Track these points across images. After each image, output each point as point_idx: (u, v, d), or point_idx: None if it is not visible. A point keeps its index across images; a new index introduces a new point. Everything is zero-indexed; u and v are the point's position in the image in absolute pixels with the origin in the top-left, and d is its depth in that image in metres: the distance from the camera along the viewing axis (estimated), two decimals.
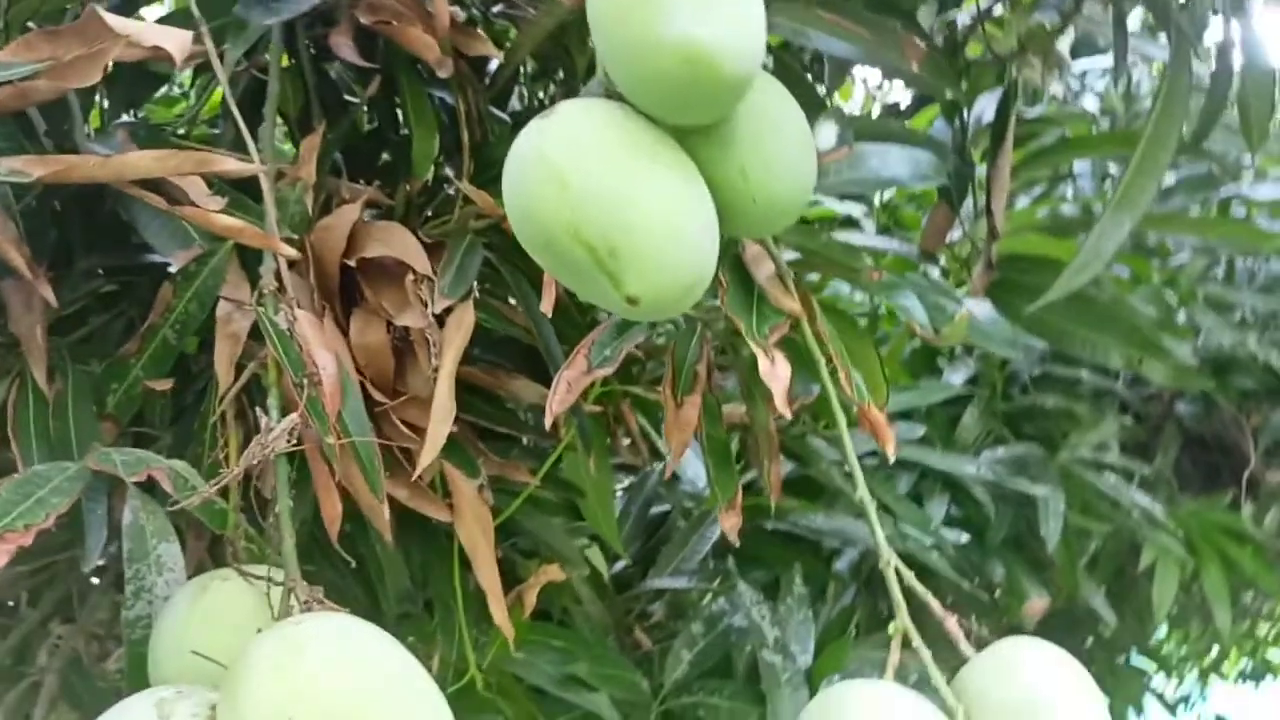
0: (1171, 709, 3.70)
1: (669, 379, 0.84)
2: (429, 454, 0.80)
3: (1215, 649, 5.25)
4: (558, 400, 0.80)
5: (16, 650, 1.09)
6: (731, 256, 0.81)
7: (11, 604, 1.21)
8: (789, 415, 0.68)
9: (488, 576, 0.86)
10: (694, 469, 1.64)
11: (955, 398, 1.92)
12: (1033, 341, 1.52)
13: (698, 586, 1.41)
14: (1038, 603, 1.78)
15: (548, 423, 0.80)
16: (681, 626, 1.29)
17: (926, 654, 0.64)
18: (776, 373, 0.69)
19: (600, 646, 1.16)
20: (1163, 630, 5.02)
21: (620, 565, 1.49)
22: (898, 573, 0.68)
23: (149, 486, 0.79)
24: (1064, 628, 3.01)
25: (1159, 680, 4.79)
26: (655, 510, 1.53)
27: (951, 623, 0.66)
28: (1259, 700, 6.49)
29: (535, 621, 1.16)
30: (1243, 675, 5.33)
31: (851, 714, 0.63)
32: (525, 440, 1.10)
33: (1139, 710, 3.34)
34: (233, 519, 0.79)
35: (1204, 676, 5.40)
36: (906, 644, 0.66)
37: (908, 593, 0.70)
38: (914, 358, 1.98)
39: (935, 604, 0.67)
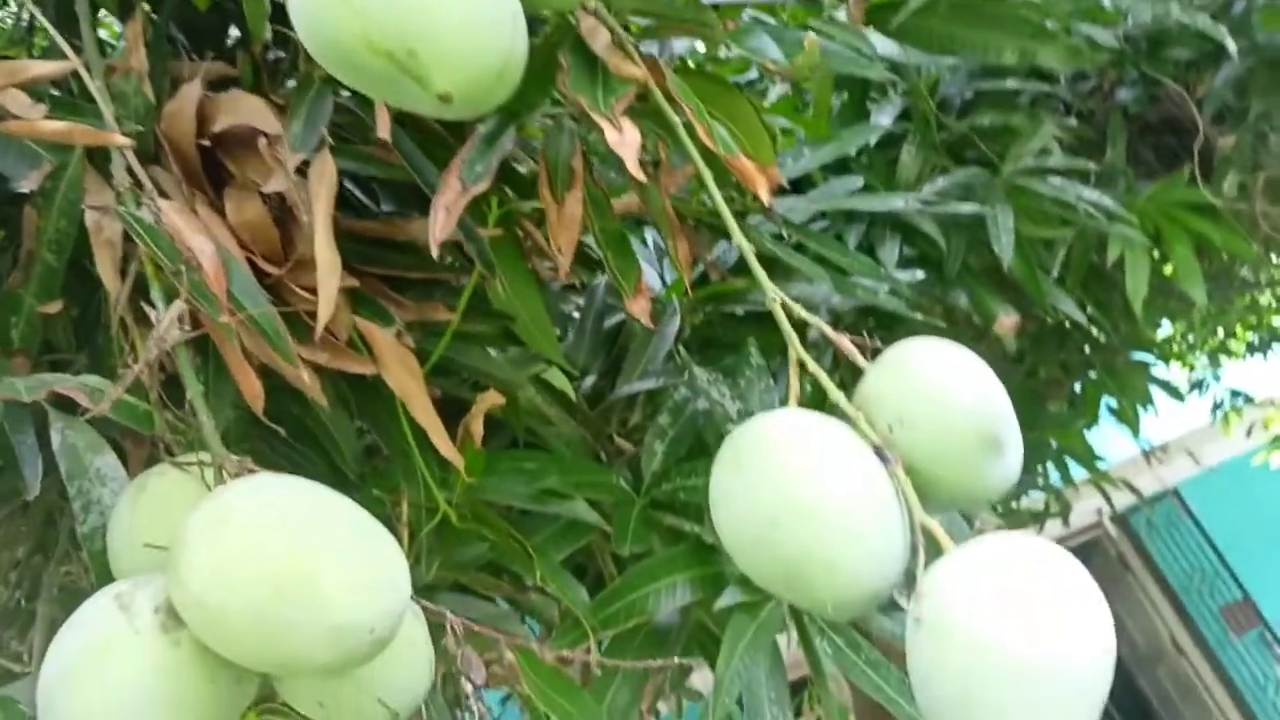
0: (1182, 396, 3.80)
1: (544, 179, 0.83)
2: (324, 309, 0.80)
3: (1220, 331, 5.37)
4: (439, 228, 0.80)
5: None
6: (571, 37, 0.78)
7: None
8: (642, 178, 0.68)
9: (425, 416, 0.88)
10: (647, 275, 1.64)
11: (892, 140, 1.90)
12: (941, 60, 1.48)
13: (665, 383, 1.43)
14: (1007, 320, 1.80)
15: (434, 252, 0.80)
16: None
17: (821, 374, 0.66)
18: (625, 140, 0.69)
19: (571, 458, 1.19)
20: (1168, 327, 5.12)
21: (590, 382, 1.51)
22: (785, 308, 0.69)
23: (75, 409, 0.80)
24: (1055, 343, 3.07)
25: (1173, 374, 4.92)
26: (611, 322, 1.54)
27: (844, 342, 0.67)
28: (1270, 369, 6.65)
29: (506, 450, 1.20)
30: (1251, 349, 5.46)
31: (756, 435, 0.65)
32: (452, 282, 1.10)
33: (1147, 404, 3.42)
34: (157, 418, 0.81)
35: (1213, 359, 5.53)
36: (804, 370, 0.68)
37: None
38: (844, 111, 1.94)
39: (825, 327, 0.68)
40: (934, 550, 0.61)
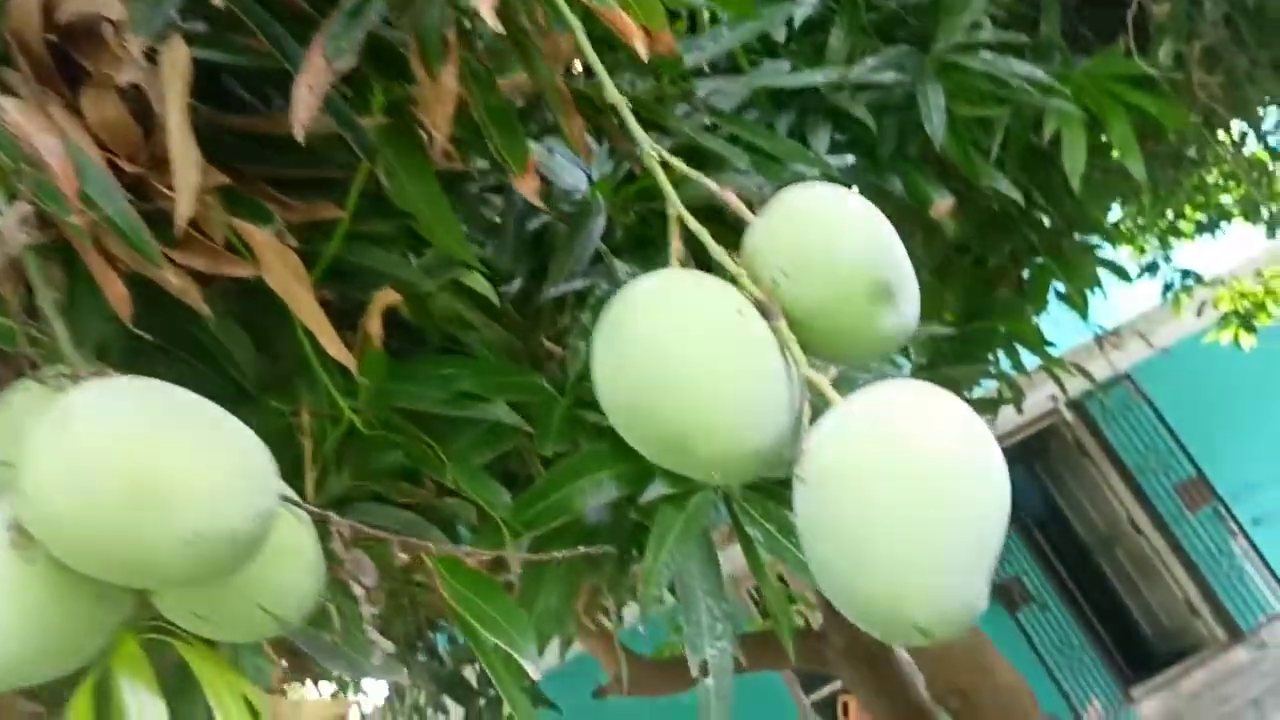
0: (1129, 276, 3.81)
1: (415, 52, 0.78)
2: (183, 205, 0.75)
3: (1170, 213, 5.39)
4: (302, 109, 0.75)
5: None
6: None
7: None
8: (498, 26, 0.63)
9: (310, 317, 0.84)
10: (572, 176, 1.58)
11: (820, 24, 1.84)
12: None
13: (592, 283, 1.39)
14: (942, 203, 1.77)
15: (298, 136, 0.74)
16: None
17: (703, 231, 0.62)
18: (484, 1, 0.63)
19: (491, 361, 1.15)
20: (1118, 212, 5.13)
21: (517, 286, 1.47)
22: (665, 164, 0.65)
23: None
24: (1002, 230, 3.05)
25: (1124, 258, 4.94)
26: (534, 225, 1.48)
27: (732, 198, 0.64)
28: (1220, 247, 6.72)
29: (422, 356, 1.16)
30: (1200, 228, 5.50)
31: (626, 302, 0.62)
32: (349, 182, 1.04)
33: (1095, 286, 3.43)
34: (18, 332, 0.76)
35: (1164, 241, 5.57)
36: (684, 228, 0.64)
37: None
38: None
39: (709, 183, 0.64)
40: (824, 407, 0.58)
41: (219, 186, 0.84)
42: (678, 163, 0.65)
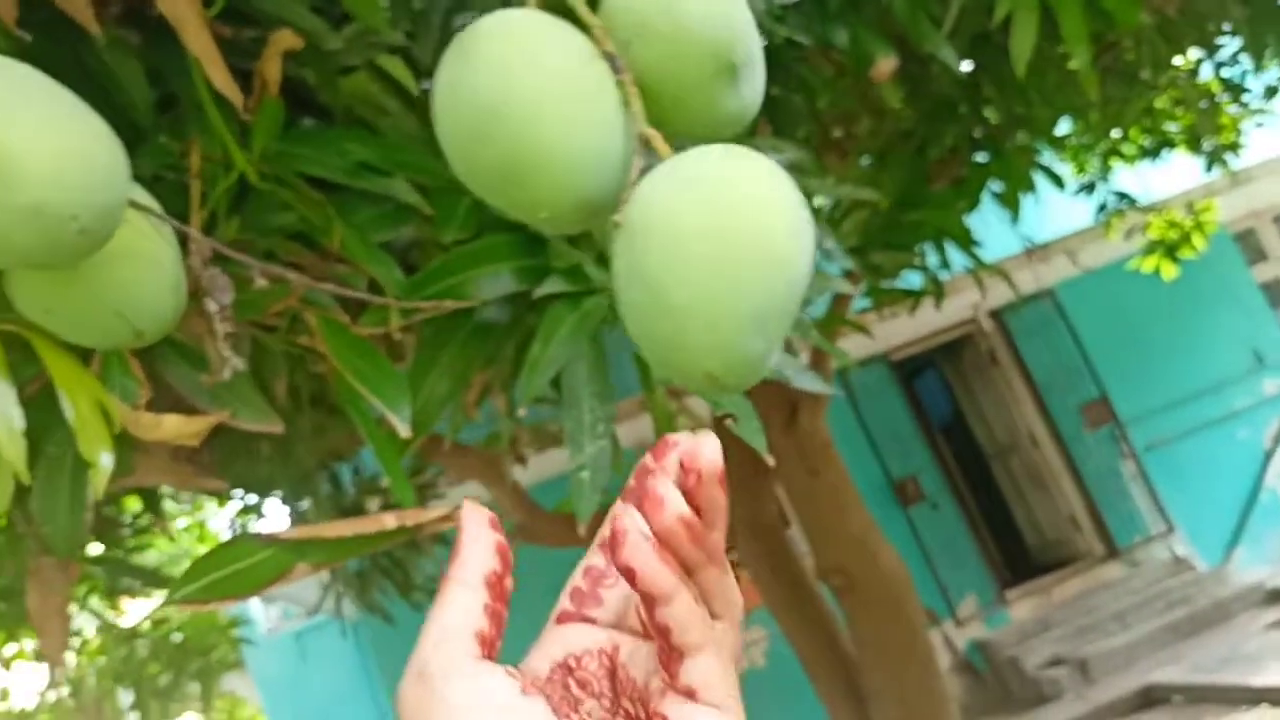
0: (1063, 184, 3.86)
1: None
2: None
3: (1115, 133, 5.44)
4: None
5: None
6: None
7: None
8: None
9: (198, 43, 0.80)
10: None
11: None
12: None
13: None
14: (885, 64, 1.75)
15: None
16: None
17: None
18: None
19: (400, 143, 1.13)
20: (1066, 127, 5.16)
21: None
22: None
23: None
24: (946, 119, 3.05)
25: (1063, 173, 4.98)
26: (461, 21, 1.44)
27: None
28: (1159, 174, 6.83)
29: (321, 127, 1.12)
30: (1143, 152, 5.56)
31: (483, 29, 0.61)
32: None
33: (1029, 189, 3.47)
34: None
35: (1105, 161, 5.63)
36: None
37: None
38: None
39: None
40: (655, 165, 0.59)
41: None
42: None
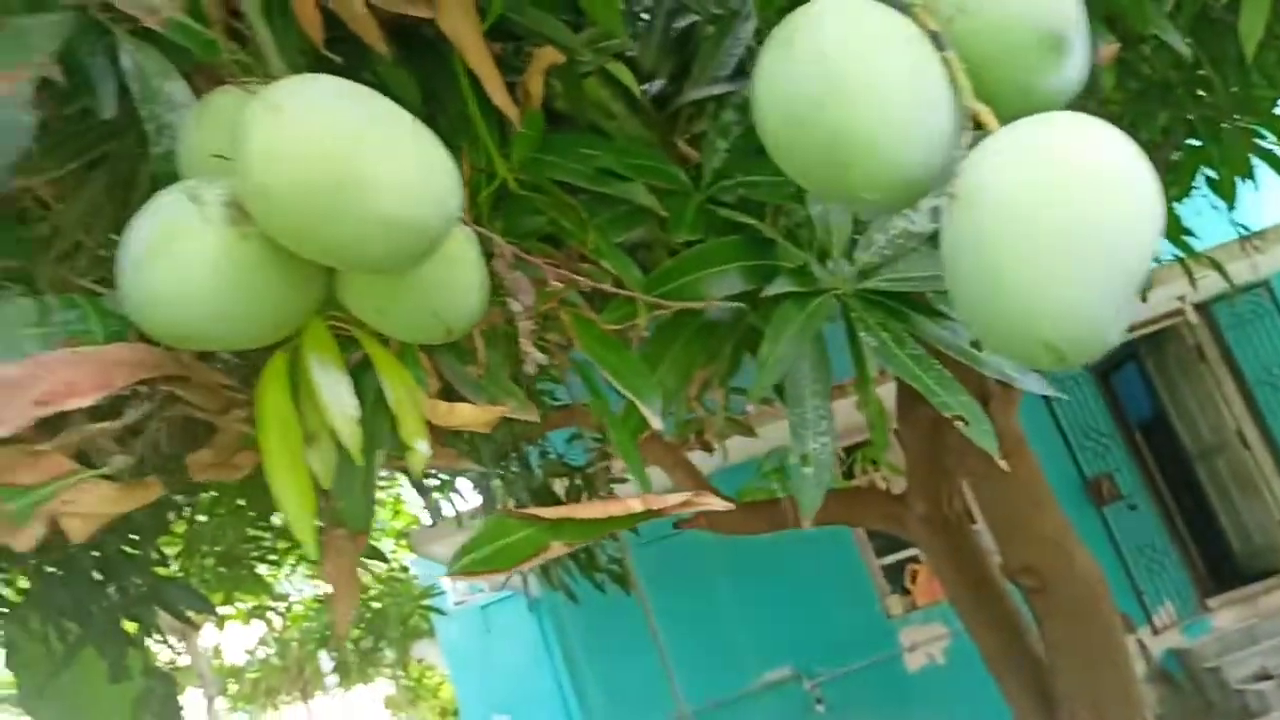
0: None
1: None
2: None
3: None
4: None
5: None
6: None
7: None
8: None
9: (478, 61, 0.88)
10: None
11: None
12: None
13: (735, 88, 1.40)
14: (1107, 49, 1.70)
15: None
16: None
17: None
18: None
19: (632, 145, 1.19)
20: None
21: (659, 86, 1.49)
22: None
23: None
24: (1158, 100, 2.91)
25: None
26: (681, 24, 1.49)
27: None
28: None
29: (566, 132, 1.20)
30: None
31: (809, 14, 0.62)
32: None
33: (1247, 175, 3.26)
34: (220, 46, 0.82)
35: None
36: None
37: None
38: None
39: None
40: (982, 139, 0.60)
41: None
42: None
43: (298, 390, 0.72)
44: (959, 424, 1.04)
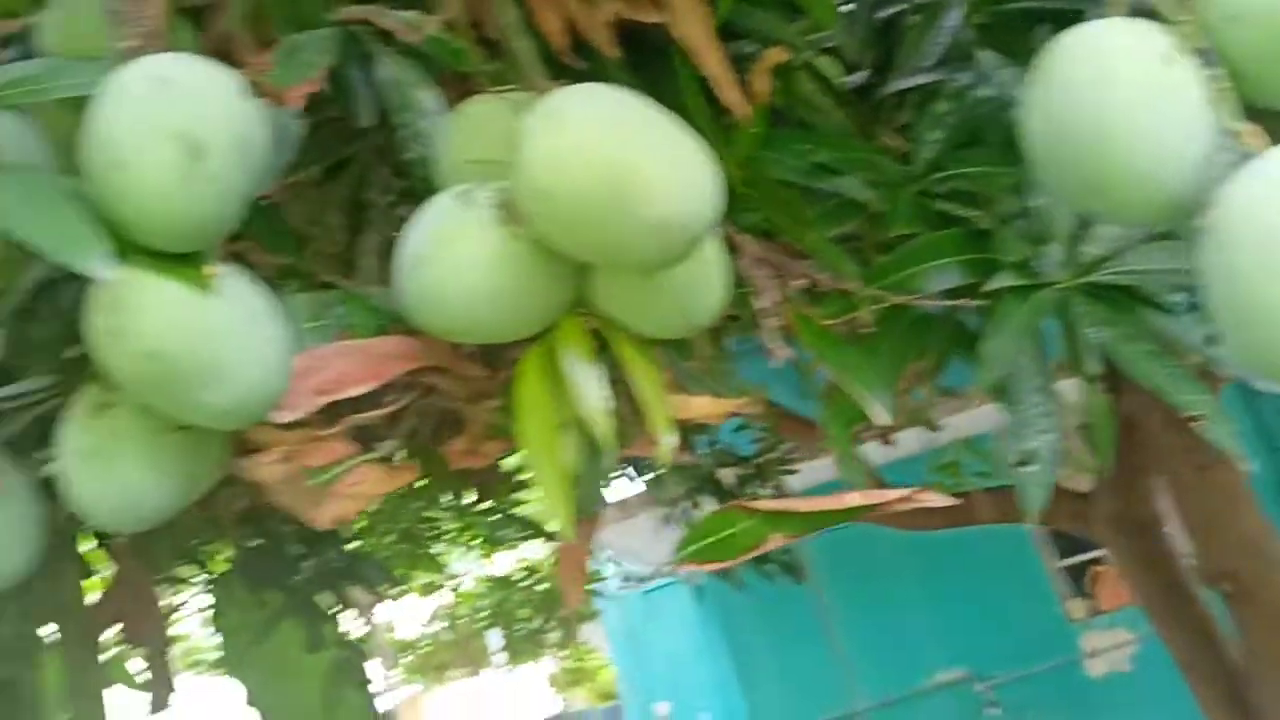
0: None
1: None
2: None
3: None
4: None
5: None
6: None
7: None
8: None
9: (712, 64, 0.90)
10: None
11: None
12: None
13: (940, 78, 1.37)
14: None
15: None
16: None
17: None
18: None
19: (843, 138, 1.19)
20: None
21: (861, 77, 1.47)
22: None
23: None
24: None
25: None
26: (884, 13, 1.47)
27: None
28: None
29: (776, 129, 1.21)
30: None
31: (1061, 46, 0.63)
32: None
33: None
34: (470, 56, 0.87)
35: None
36: None
37: None
38: None
39: None
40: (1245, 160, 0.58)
41: None
42: None
43: (549, 383, 0.76)
44: (1197, 424, 0.99)
